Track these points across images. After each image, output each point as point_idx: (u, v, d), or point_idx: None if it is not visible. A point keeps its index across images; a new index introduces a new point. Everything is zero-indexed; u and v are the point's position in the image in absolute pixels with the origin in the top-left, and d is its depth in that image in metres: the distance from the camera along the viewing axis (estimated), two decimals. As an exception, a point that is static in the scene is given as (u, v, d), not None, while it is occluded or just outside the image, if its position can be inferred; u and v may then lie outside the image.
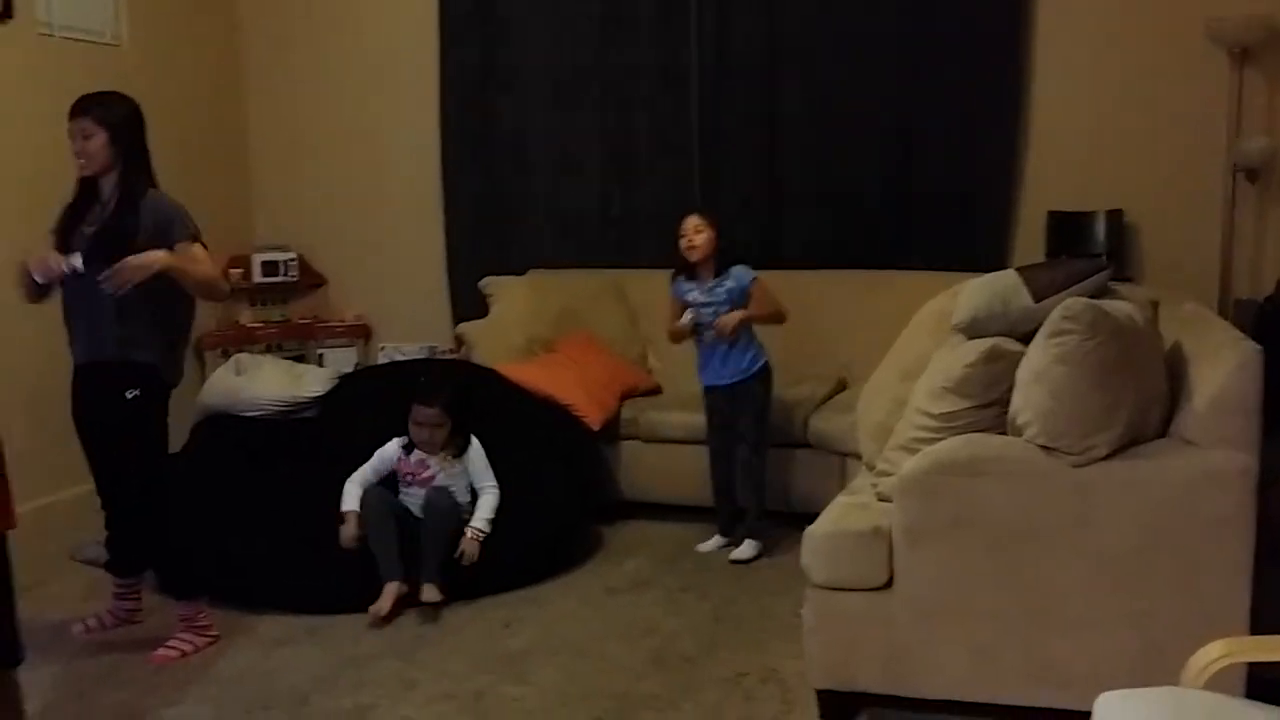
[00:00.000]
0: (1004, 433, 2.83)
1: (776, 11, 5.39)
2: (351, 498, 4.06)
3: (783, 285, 4.52)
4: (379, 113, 6.10)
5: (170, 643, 3.64)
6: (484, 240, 5.92)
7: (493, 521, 4.08)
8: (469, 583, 3.99)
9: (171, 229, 3.51)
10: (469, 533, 4.02)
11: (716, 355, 4.40)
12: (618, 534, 4.71)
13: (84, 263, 3.47)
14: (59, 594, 4.09)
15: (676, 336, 4.49)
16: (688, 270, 4.40)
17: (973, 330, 3.00)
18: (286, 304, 6.29)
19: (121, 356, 3.53)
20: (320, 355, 6.09)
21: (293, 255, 6.12)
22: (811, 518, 3.03)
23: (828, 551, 2.87)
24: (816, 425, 4.57)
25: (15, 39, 4.72)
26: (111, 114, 3.54)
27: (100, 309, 3.50)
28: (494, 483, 4.16)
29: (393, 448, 4.19)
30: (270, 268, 6.09)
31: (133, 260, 3.39)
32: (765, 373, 4.43)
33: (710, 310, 4.35)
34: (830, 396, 4.79)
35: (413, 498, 4.13)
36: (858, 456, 3.62)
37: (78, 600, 4.01)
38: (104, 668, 3.54)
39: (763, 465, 4.45)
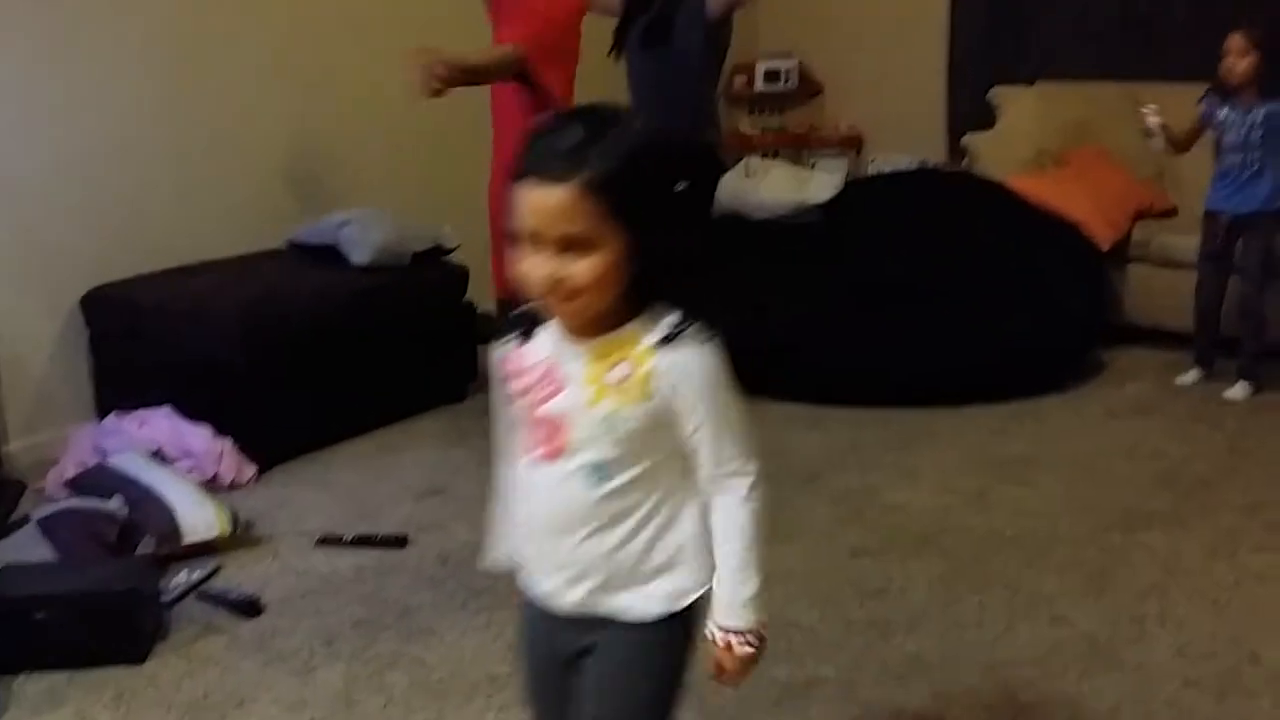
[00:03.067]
0: None
1: None
2: None
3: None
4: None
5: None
6: (991, 50, 5.72)
7: None
8: (958, 391, 4.08)
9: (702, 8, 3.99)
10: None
11: (1230, 178, 4.11)
12: (1120, 358, 4.59)
13: (639, 50, 4.06)
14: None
15: (1175, 145, 4.25)
16: (1224, 90, 4.08)
17: None
18: (783, 113, 6.48)
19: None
20: (813, 165, 6.23)
21: (794, 62, 6.26)
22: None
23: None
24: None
25: None
26: None
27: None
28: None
29: None
30: (772, 76, 6.28)
31: None
32: None
33: (1238, 138, 4.06)
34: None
35: None
36: None
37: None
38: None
39: (1262, 304, 4.16)
